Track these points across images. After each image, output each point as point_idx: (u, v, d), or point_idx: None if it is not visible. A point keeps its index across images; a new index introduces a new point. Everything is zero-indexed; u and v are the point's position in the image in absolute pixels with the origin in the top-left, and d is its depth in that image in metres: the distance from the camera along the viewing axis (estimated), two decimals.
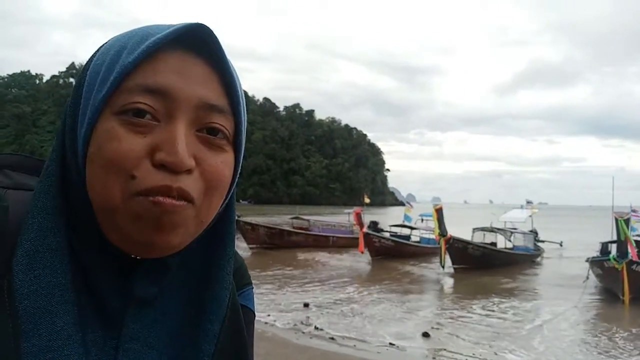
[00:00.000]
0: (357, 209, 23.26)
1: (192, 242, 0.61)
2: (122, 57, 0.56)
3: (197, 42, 0.58)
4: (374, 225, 25.19)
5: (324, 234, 26.88)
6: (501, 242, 22.80)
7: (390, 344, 8.88)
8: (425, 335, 9.66)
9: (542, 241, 26.92)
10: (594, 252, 17.55)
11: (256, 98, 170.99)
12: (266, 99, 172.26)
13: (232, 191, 0.64)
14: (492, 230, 23.27)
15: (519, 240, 22.82)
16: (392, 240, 22.76)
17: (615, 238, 15.24)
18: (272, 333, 8.79)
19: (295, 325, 9.78)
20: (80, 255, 0.58)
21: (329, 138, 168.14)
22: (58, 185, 0.59)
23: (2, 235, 0.56)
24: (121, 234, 0.56)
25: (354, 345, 8.56)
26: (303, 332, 9.17)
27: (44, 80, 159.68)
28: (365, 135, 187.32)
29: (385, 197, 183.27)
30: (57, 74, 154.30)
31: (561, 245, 30.04)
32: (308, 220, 28.43)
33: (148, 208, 0.54)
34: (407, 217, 26.65)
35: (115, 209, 0.55)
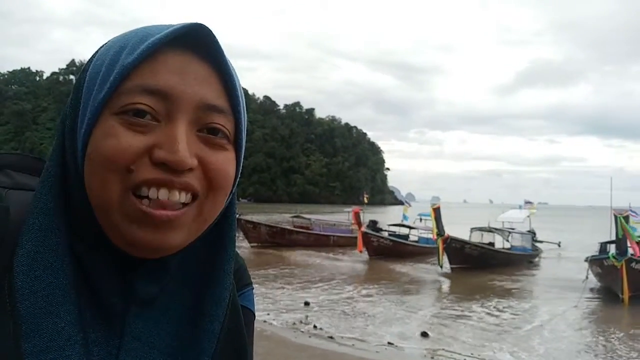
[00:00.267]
0: (355, 208, 23.30)
1: (193, 241, 0.61)
2: (122, 57, 0.56)
3: (197, 42, 0.58)
4: (373, 224, 25.22)
5: (324, 233, 26.94)
6: (499, 242, 22.85)
7: (389, 343, 8.91)
8: (424, 334, 9.71)
9: (541, 241, 26.95)
10: (593, 252, 17.57)
11: (256, 96, 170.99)
12: (266, 97, 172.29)
13: (233, 191, 0.65)
14: (489, 230, 23.31)
15: (516, 241, 22.85)
16: (391, 240, 22.80)
17: (614, 238, 15.28)
18: (271, 332, 8.82)
19: (294, 324, 9.82)
20: (81, 255, 0.58)
21: (329, 137, 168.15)
22: (58, 185, 0.59)
23: (2, 235, 0.56)
24: (119, 233, 0.56)
25: (353, 345, 8.60)
26: (302, 331, 9.20)
27: (44, 77, 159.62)
28: (365, 134, 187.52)
29: (385, 196, 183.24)
30: (57, 71, 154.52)
31: (559, 246, 30.09)
32: (309, 219, 28.52)
33: (139, 215, 0.54)
34: (405, 217, 26.72)
35: (112, 208, 0.55)
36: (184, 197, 0.56)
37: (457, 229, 21.76)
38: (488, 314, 12.20)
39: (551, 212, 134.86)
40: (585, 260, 16.57)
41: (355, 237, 22.43)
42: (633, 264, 13.99)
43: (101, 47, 0.61)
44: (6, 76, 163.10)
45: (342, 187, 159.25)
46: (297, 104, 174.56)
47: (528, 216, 26.24)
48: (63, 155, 0.60)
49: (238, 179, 0.65)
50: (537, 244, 25.60)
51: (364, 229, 21.65)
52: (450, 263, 19.10)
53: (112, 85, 0.55)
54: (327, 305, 12.03)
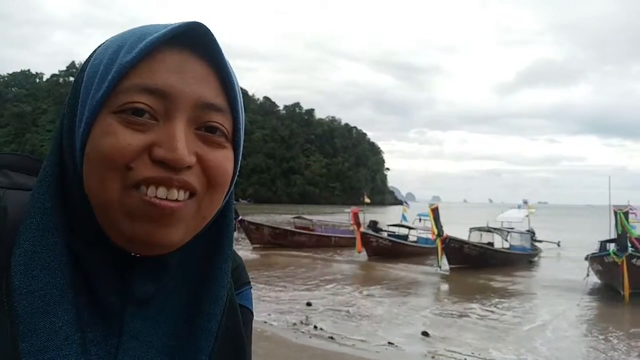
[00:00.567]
0: (354, 208, 23.33)
1: (191, 240, 0.61)
2: (120, 56, 0.56)
3: (194, 41, 0.58)
4: (373, 224, 25.24)
5: (326, 234, 27.01)
6: (498, 242, 22.86)
7: (390, 343, 8.92)
8: (425, 334, 9.73)
9: (540, 241, 26.94)
10: (593, 251, 17.59)
11: (256, 97, 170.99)
12: (266, 98, 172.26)
13: (231, 189, 0.65)
14: (488, 230, 23.34)
15: (515, 240, 22.83)
16: (390, 240, 22.79)
17: (613, 236, 15.30)
18: (271, 332, 8.83)
19: (294, 324, 9.83)
20: (78, 254, 0.58)
21: (329, 137, 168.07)
22: (56, 185, 0.59)
23: (0, 235, 0.56)
24: (119, 231, 0.56)
25: (353, 345, 8.60)
26: (302, 332, 9.20)
27: (44, 79, 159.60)
28: (365, 135, 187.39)
29: (385, 197, 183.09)
30: (57, 73, 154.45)
31: (559, 245, 30.07)
32: (311, 221, 28.60)
33: (141, 207, 0.54)
34: (404, 217, 26.76)
35: (111, 205, 0.55)
36: (182, 195, 0.56)
37: (456, 228, 21.78)
38: (488, 313, 12.20)
39: (551, 211, 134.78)
40: (586, 259, 16.57)
41: (356, 238, 22.46)
42: (634, 260, 14.01)
43: (99, 47, 0.61)
44: (6, 78, 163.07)
45: (342, 187, 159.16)
46: (297, 104, 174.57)
47: (527, 216, 26.26)
48: (61, 155, 0.60)
49: (236, 178, 0.65)
50: (537, 244, 25.59)
51: (362, 229, 21.66)
52: (450, 263, 19.10)
53: (111, 84, 0.55)
54: (327, 306, 12.03)
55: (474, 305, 12.96)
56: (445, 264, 18.93)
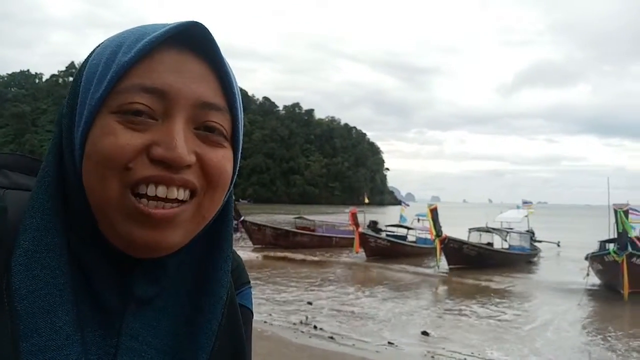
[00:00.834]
0: (352, 209, 23.34)
1: (191, 240, 0.61)
2: (119, 56, 0.56)
3: (193, 40, 0.58)
4: (373, 224, 25.26)
5: (327, 234, 27.05)
6: (498, 242, 22.86)
7: (389, 343, 8.93)
8: (424, 334, 9.74)
9: (540, 241, 26.91)
10: (593, 251, 17.58)
11: (256, 97, 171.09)
12: (266, 99, 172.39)
13: (230, 189, 0.65)
14: (487, 230, 23.34)
15: (514, 240, 22.82)
16: (388, 240, 22.76)
17: (613, 236, 15.28)
18: (271, 332, 8.84)
19: (294, 324, 9.84)
20: (79, 255, 0.58)
21: (329, 137, 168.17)
22: (55, 185, 0.59)
23: (0, 235, 0.56)
24: (118, 233, 0.56)
25: (353, 345, 8.61)
26: (302, 332, 9.21)
27: (44, 80, 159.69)
28: (364, 135, 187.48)
29: (385, 197, 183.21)
30: (56, 73, 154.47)
31: (559, 245, 30.07)
32: (313, 221, 28.65)
33: (137, 215, 0.54)
34: (402, 218, 26.77)
35: (110, 206, 0.55)
36: (182, 194, 0.56)
37: (456, 230, 21.77)
38: (488, 313, 12.21)
39: (550, 211, 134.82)
40: (586, 258, 16.57)
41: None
42: (634, 259, 14.01)
43: (98, 47, 0.61)
44: (5, 78, 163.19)
45: (342, 187, 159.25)
46: (297, 104, 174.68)
47: (526, 216, 26.25)
48: (60, 155, 0.60)
49: (235, 178, 0.65)
50: (537, 244, 25.59)
51: (361, 229, 21.65)
52: (449, 263, 19.11)
53: (110, 83, 0.55)
54: (327, 306, 12.04)
55: (473, 306, 12.97)
56: (444, 264, 18.94)
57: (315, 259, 21.16)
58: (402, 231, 25.34)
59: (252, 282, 0.79)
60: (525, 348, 9.30)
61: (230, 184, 0.63)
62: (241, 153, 0.66)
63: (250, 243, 24.78)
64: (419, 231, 24.62)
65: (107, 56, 0.57)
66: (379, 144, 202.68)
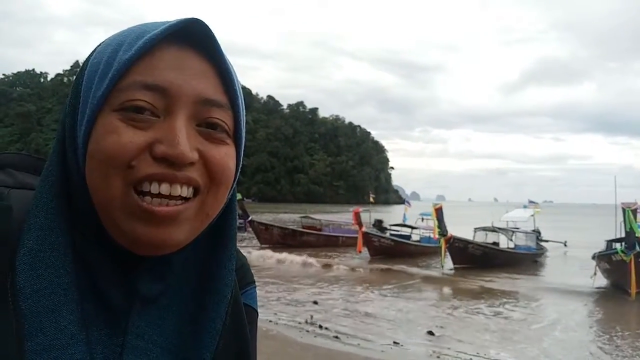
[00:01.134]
0: (355, 208, 23.29)
1: (195, 238, 0.61)
2: (120, 54, 0.57)
3: (194, 37, 0.58)
4: (379, 223, 25.19)
5: (334, 234, 27.06)
6: (503, 242, 22.75)
7: (395, 342, 8.90)
8: (430, 334, 9.69)
9: (546, 240, 26.76)
10: (600, 250, 17.45)
11: (260, 96, 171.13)
12: (270, 97, 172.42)
13: (234, 186, 0.65)
14: (493, 229, 23.21)
15: (520, 240, 22.70)
16: (392, 240, 22.67)
17: (620, 235, 15.16)
18: (276, 331, 8.82)
19: (299, 323, 9.82)
20: (83, 253, 0.58)
21: (333, 136, 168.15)
22: (59, 184, 0.59)
23: (5, 234, 0.56)
24: (122, 231, 0.56)
25: (358, 344, 8.58)
26: (307, 331, 9.19)
27: (49, 79, 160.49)
28: (369, 133, 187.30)
29: (389, 195, 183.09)
30: (61, 72, 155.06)
31: (565, 245, 29.88)
32: (320, 221, 28.66)
33: (141, 212, 0.55)
34: (405, 217, 26.69)
35: (114, 205, 0.55)
36: (185, 191, 0.56)
37: (461, 229, 21.66)
38: (494, 313, 12.15)
39: (556, 210, 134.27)
40: (593, 257, 16.46)
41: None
42: None
43: (99, 45, 0.61)
44: (11, 78, 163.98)
45: (346, 186, 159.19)
46: (301, 103, 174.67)
47: (532, 215, 26.11)
48: (63, 154, 0.60)
49: (238, 175, 0.65)
50: (543, 243, 25.46)
51: (364, 229, 21.58)
52: (454, 263, 19.03)
53: (111, 81, 0.55)
54: (332, 305, 12.03)
55: (479, 305, 12.91)
56: (449, 264, 18.87)
57: (323, 257, 21.10)
58: (406, 230, 25.27)
59: (256, 281, 0.80)
60: (532, 348, 9.24)
61: (234, 181, 0.63)
62: (245, 151, 0.65)
63: (257, 242, 24.87)
64: (423, 230, 24.55)
65: (108, 54, 0.58)
66: (383, 142, 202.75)
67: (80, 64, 0.62)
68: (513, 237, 22.61)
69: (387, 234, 23.73)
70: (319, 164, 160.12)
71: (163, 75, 0.56)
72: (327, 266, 19.06)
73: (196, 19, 0.57)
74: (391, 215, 42.18)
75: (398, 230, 25.17)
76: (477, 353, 8.49)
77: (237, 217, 0.66)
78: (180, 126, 0.56)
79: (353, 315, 11.13)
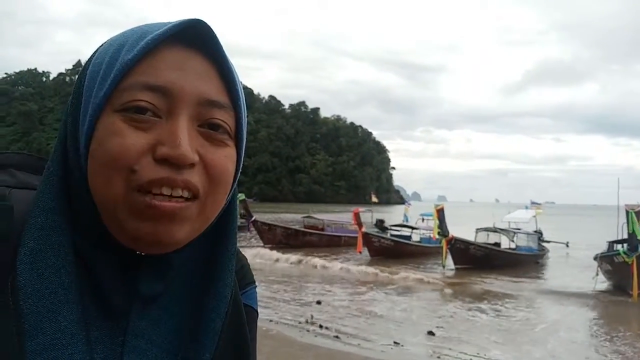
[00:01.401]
0: (355, 208, 23.26)
1: (195, 239, 0.61)
2: (122, 54, 0.57)
3: (195, 38, 0.58)
4: (380, 223, 25.15)
5: (336, 233, 27.05)
6: (505, 243, 22.69)
7: (395, 343, 8.88)
8: (430, 334, 9.67)
9: (548, 241, 26.67)
10: (602, 251, 17.40)
11: (261, 96, 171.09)
12: (271, 97, 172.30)
13: (234, 187, 0.65)
14: (495, 230, 23.17)
15: (522, 241, 22.63)
16: (392, 240, 22.61)
17: (622, 236, 15.10)
18: (276, 331, 8.81)
19: (299, 323, 9.81)
20: (83, 253, 0.58)
21: (334, 136, 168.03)
22: (60, 184, 0.59)
23: (6, 234, 0.56)
24: (124, 230, 0.56)
25: (359, 344, 8.57)
26: (308, 331, 9.18)
27: (51, 78, 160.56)
28: (370, 133, 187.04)
29: (391, 196, 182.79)
30: (63, 71, 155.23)
31: (567, 246, 29.80)
32: (322, 220, 28.65)
33: (145, 208, 0.54)
34: (406, 217, 26.64)
35: (116, 205, 0.55)
36: (186, 193, 0.57)
37: (462, 229, 21.62)
38: (494, 313, 12.13)
39: (558, 211, 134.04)
40: (595, 259, 16.41)
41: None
42: None
43: (101, 46, 0.61)
44: (13, 77, 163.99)
45: (348, 186, 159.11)
46: (302, 103, 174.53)
47: (534, 216, 26.05)
48: (65, 154, 0.60)
49: (239, 176, 0.65)
50: (545, 244, 25.38)
51: (364, 229, 21.54)
52: (455, 263, 19.00)
53: (113, 82, 0.55)
54: (333, 305, 12.01)
55: (480, 305, 12.89)
56: (450, 265, 18.83)
57: (323, 258, 21.07)
58: (406, 231, 25.23)
59: (256, 281, 0.79)
60: (533, 349, 9.23)
61: (233, 183, 0.63)
62: (246, 151, 0.65)
63: (260, 242, 24.89)
64: (424, 231, 24.51)
65: (110, 55, 0.58)
66: (385, 142, 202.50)
67: (83, 64, 0.62)
68: (514, 238, 22.55)
69: (388, 234, 23.69)
70: (320, 164, 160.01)
71: (165, 75, 0.56)
72: (329, 266, 19.00)
73: (198, 19, 0.57)
74: (392, 215, 42.16)
75: (398, 231, 25.14)
76: (478, 353, 8.48)
77: (240, 217, 0.69)
78: (182, 127, 0.56)
79: (354, 315, 11.12)
